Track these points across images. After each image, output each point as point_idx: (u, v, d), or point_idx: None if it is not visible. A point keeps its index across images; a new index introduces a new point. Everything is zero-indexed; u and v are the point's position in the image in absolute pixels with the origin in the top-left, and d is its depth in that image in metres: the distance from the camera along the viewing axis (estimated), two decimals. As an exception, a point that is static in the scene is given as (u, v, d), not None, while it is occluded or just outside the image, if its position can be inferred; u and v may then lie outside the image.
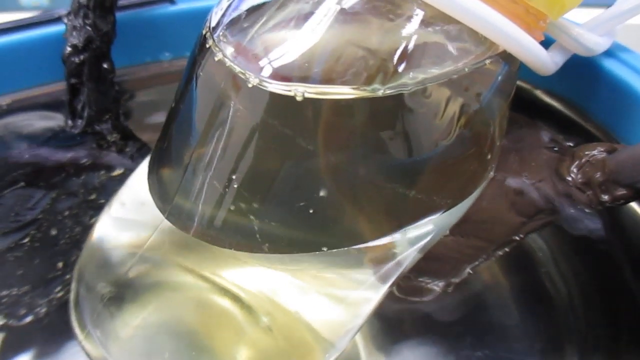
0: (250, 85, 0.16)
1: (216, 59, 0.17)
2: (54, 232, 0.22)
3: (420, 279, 0.21)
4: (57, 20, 0.26)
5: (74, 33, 0.24)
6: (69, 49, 0.24)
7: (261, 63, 0.16)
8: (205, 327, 0.17)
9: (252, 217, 0.17)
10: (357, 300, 0.18)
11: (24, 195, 0.23)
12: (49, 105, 0.26)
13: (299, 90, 0.15)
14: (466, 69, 0.16)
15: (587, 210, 0.19)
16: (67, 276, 0.21)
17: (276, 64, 0.16)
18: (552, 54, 0.19)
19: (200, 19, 0.18)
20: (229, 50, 0.17)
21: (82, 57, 0.24)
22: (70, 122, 0.25)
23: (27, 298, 0.20)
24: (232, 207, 0.17)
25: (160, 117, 0.19)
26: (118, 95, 0.27)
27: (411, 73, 0.15)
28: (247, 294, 0.17)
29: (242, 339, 0.17)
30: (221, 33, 0.18)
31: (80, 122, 0.25)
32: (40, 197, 0.23)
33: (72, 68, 0.24)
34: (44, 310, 0.20)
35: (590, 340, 0.20)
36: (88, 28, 0.24)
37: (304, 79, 0.16)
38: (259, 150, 0.16)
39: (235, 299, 0.17)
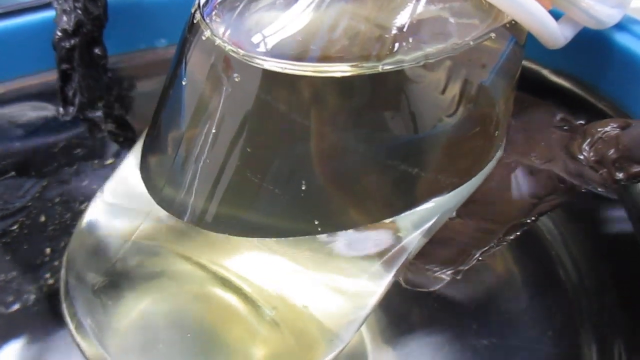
0: (241, 64, 0.15)
1: (204, 37, 0.16)
2: (43, 218, 0.22)
3: (427, 267, 0.20)
4: (47, 5, 0.25)
5: (64, 17, 0.24)
6: (59, 33, 0.24)
7: (253, 40, 0.16)
8: (206, 319, 0.17)
9: (247, 200, 0.16)
10: (361, 288, 0.17)
11: (14, 184, 0.23)
12: (40, 93, 0.26)
13: (293, 68, 0.15)
14: (471, 43, 0.15)
15: (600, 190, 0.18)
16: (56, 262, 0.20)
17: (269, 42, 0.15)
18: (561, 27, 0.18)
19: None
20: (219, 28, 0.16)
21: (72, 41, 0.24)
22: (61, 109, 0.25)
23: (15, 284, 0.20)
24: (226, 192, 0.16)
25: (154, 105, 0.19)
26: (111, 82, 0.26)
27: (411, 48, 0.15)
28: (249, 285, 0.17)
29: (247, 333, 0.17)
30: (212, 12, 0.17)
31: (71, 110, 0.24)
32: (31, 185, 0.23)
33: (62, 53, 0.24)
34: (32, 297, 0.20)
35: (604, 321, 0.19)
36: (78, 11, 0.24)
37: (299, 56, 0.15)
38: (252, 131, 0.16)
39: (237, 290, 0.16)
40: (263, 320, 0.16)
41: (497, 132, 0.18)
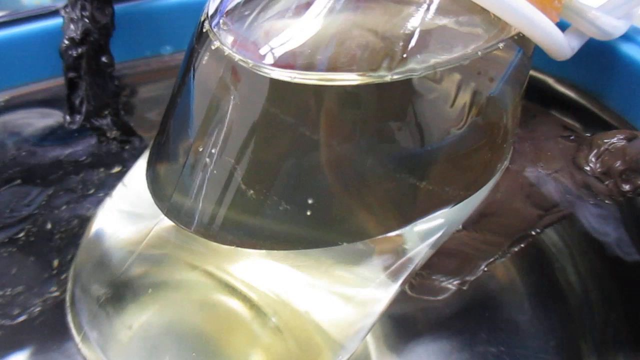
0: (250, 74, 0.15)
1: (214, 47, 0.16)
2: (49, 226, 0.22)
3: (434, 277, 0.20)
4: (55, 13, 0.25)
5: (72, 26, 0.24)
6: (66, 42, 0.24)
7: (262, 51, 0.16)
8: (211, 328, 0.17)
9: (254, 212, 0.16)
10: (367, 299, 0.17)
11: (20, 192, 0.23)
12: (47, 101, 0.26)
13: (302, 78, 0.15)
14: (479, 53, 0.15)
15: (606, 202, 0.18)
16: (63, 275, 0.20)
17: (278, 52, 0.15)
18: (568, 39, 0.18)
19: (202, 11, 0.18)
20: (228, 38, 0.16)
21: (80, 50, 0.24)
22: (68, 117, 0.25)
23: (22, 298, 0.20)
24: (234, 202, 0.16)
25: (161, 113, 0.19)
26: (117, 90, 0.26)
27: (420, 58, 0.15)
28: (254, 292, 0.16)
29: (251, 340, 0.16)
30: (220, 21, 0.17)
31: (78, 118, 0.25)
32: (37, 194, 0.23)
33: (69, 62, 0.24)
34: (38, 309, 0.19)
35: (607, 337, 0.19)
36: (86, 20, 0.24)
37: (308, 66, 0.15)
38: (260, 142, 0.16)
39: (243, 297, 0.16)
40: (267, 327, 0.16)
41: (504, 143, 0.18)
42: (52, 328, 0.19)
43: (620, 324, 0.19)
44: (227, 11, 0.17)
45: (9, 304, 0.19)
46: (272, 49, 0.15)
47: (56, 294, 0.20)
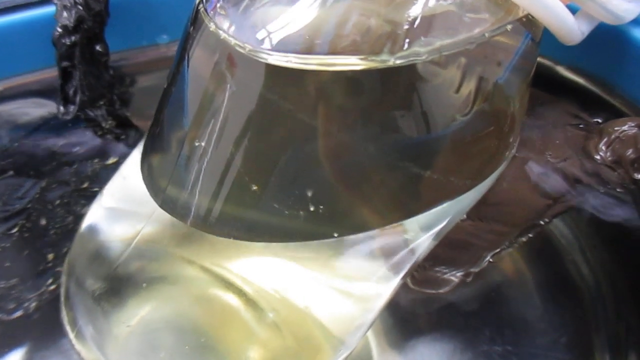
0: (247, 59, 0.15)
1: (209, 32, 0.16)
2: (43, 222, 0.21)
3: (437, 269, 0.20)
4: (47, 1, 0.25)
5: (65, 13, 0.23)
6: (59, 30, 0.23)
7: (259, 35, 0.15)
8: (208, 325, 0.16)
9: (252, 203, 0.16)
10: (367, 293, 0.17)
11: (13, 184, 0.22)
12: (40, 91, 0.26)
13: (300, 62, 0.14)
14: (485, 35, 0.15)
15: (618, 190, 0.17)
16: (58, 268, 0.20)
17: (275, 36, 0.15)
18: (578, 23, 0.18)
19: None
20: (224, 22, 0.16)
21: (73, 38, 0.23)
22: (62, 108, 0.25)
23: (16, 291, 0.19)
24: (231, 193, 0.16)
25: (157, 103, 0.18)
26: (113, 79, 0.26)
27: (424, 41, 0.14)
28: (251, 287, 0.16)
29: (248, 336, 0.16)
30: (217, 5, 0.16)
31: (72, 108, 0.24)
32: (30, 186, 0.22)
33: (63, 50, 0.24)
34: (34, 304, 0.19)
35: (620, 333, 0.19)
36: (79, 7, 0.23)
37: (307, 50, 0.15)
38: (258, 130, 0.15)
39: (240, 293, 0.16)
40: (264, 322, 0.16)
41: (511, 131, 0.17)
42: (47, 324, 0.19)
43: (631, 318, 0.19)
44: (224, -4, 0.17)
45: (3, 297, 0.19)
46: (269, 33, 0.15)
47: (52, 287, 0.19)
